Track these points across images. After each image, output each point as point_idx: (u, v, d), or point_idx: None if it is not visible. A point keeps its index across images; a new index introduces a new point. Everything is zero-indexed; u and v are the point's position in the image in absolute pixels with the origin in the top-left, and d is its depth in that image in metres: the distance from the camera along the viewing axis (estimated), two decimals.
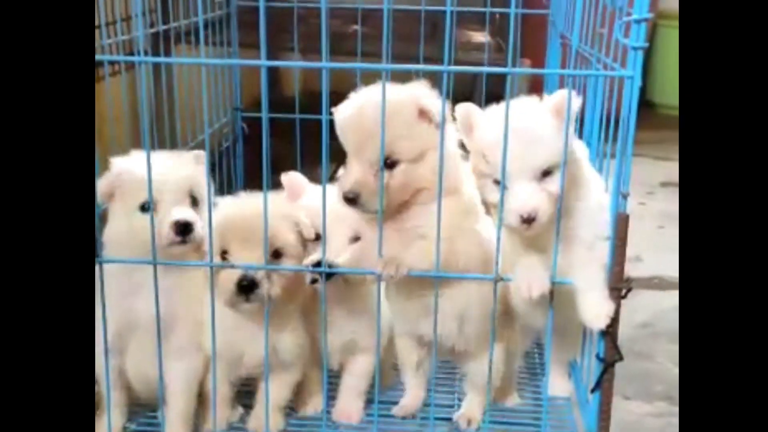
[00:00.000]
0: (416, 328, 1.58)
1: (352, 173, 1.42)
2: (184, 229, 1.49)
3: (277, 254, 1.51)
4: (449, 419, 1.67)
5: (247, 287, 1.46)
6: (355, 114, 1.43)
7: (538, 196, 1.37)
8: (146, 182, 1.43)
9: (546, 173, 1.38)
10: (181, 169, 1.53)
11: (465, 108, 1.46)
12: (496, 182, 1.41)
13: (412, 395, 1.69)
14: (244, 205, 1.53)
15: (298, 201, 1.59)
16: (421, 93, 1.45)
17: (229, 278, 1.47)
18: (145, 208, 1.48)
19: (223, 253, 1.50)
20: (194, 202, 1.54)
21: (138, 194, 1.49)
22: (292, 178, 1.64)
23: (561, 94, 1.38)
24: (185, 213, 1.50)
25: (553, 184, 1.38)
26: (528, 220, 1.37)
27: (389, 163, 1.42)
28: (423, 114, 1.43)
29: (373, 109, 1.37)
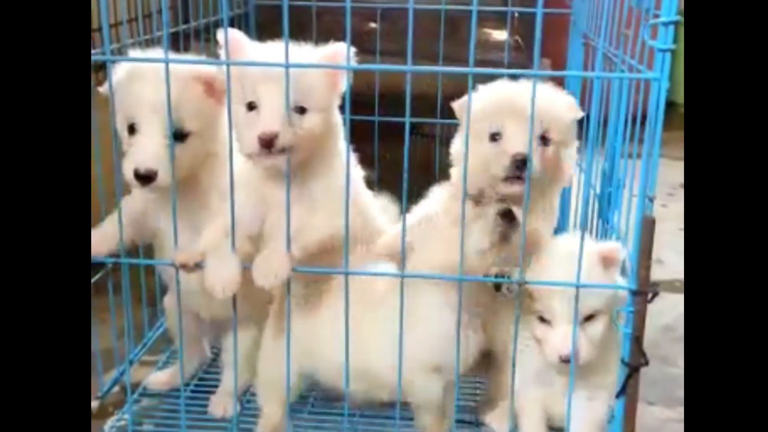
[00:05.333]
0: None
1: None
2: (144, 180, 1.32)
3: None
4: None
5: None
6: None
7: (578, 340, 1.43)
8: (126, 98, 1.34)
9: (589, 317, 1.45)
10: (166, 89, 1.25)
11: None
12: (541, 320, 1.47)
13: None
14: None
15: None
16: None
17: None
18: (132, 129, 1.35)
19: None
20: (180, 135, 1.35)
21: (121, 109, 1.36)
22: (232, 33, 1.43)
23: (611, 245, 1.46)
24: (149, 156, 1.30)
25: (595, 328, 1.46)
26: (566, 360, 1.44)
27: (302, 108, 1.42)
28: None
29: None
